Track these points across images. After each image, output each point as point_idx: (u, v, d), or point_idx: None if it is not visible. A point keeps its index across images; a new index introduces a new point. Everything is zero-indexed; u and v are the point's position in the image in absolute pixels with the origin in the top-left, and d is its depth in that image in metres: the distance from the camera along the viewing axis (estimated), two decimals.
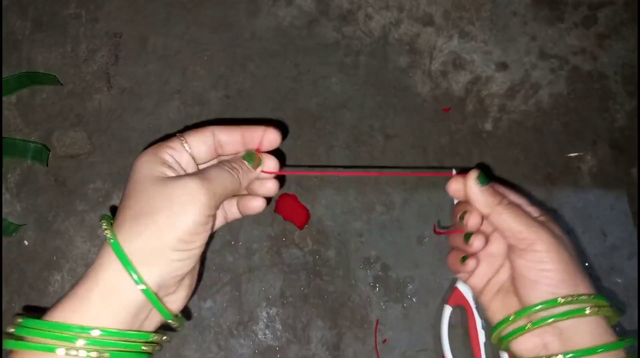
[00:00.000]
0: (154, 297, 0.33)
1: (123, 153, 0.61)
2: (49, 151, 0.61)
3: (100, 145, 0.62)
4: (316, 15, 0.65)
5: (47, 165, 0.61)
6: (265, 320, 0.57)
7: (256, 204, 0.42)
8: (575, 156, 0.62)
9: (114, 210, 0.61)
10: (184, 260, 0.34)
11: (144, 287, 0.32)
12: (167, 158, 0.38)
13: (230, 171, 0.38)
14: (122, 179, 0.61)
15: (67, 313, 0.31)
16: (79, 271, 0.59)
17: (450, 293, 0.56)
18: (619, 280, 0.59)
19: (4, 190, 0.61)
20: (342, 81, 0.63)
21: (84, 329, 0.30)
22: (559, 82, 0.64)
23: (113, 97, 0.63)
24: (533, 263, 0.37)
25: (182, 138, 0.39)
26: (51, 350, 0.30)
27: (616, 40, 0.65)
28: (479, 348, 0.54)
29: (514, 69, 0.64)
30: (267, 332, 0.56)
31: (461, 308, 0.56)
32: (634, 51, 0.65)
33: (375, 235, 0.59)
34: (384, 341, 0.57)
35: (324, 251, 0.59)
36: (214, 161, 0.42)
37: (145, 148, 0.40)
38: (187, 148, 0.39)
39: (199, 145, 0.40)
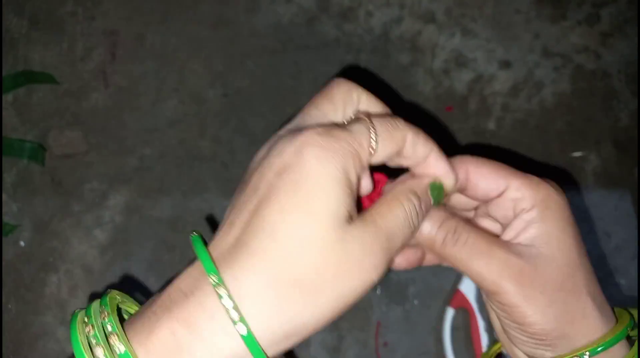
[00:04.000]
0: None
1: (119, 153, 0.61)
2: (45, 150, 0.61)
3: (96, 144, 0.61)
4: (316, 12, 0.64)
5: (43, 165, 0.60)
6: None
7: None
8: (579, 155, 0.62)
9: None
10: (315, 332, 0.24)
11: None
12: (354, 179, 0.24)
13: (415, 221, 0.26)
14: (118, 179, 0.60)
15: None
16: (75, 272, 0.58)
17: (452, 295, 0.55)
18: (623, 282, 0.59)
19: None
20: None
21: None
22: (563, 81, 0.63)
23: (110, 95, 0.62)
24: (502, 315, 0.27)
25: (373, 134, 0.25)
26: None
27: (619, 38, 0.65)
28: (482, 351, 0.53)
29: (517, 67, 0.63)
30: None
31: (463, 311, 0.55)
32: (638, 49, 0.64)
33: None
34: (385, 344, 0.56)
35: None
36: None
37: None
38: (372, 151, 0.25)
39: (384, 156, 0.26)
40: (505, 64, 0.64)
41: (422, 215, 0.27)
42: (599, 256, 0.59)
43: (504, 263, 0.26)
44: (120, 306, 0.25)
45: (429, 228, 0.28)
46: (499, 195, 0.28)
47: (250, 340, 0.21)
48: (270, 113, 0.62)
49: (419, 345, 0.56)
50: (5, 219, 0.59)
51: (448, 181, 0.28)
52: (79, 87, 0.62)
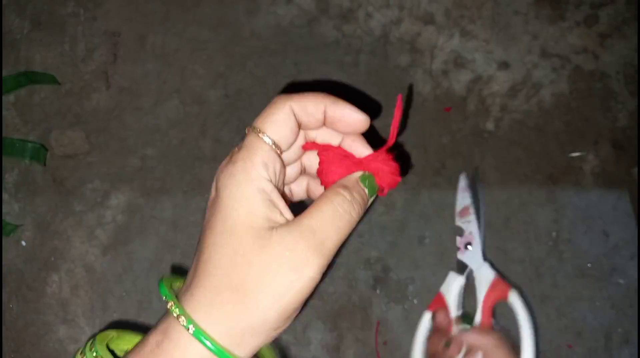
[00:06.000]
0: None
1: (121, 153, 0.61)
2: (47, 150, 0.61)
3: (98, 145, 0.61)
4: (316, 14, 0.65)
5: (45, 165, 0.60)
6: None
7: None
8: (578, 155, 0.62)
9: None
10: (281, 331, 0.28)
11: None
12: (265, 185, 0.27)
13: (351, 211, 0.27)
14: (119, 179, 0.60)
15: None
16: (77, 272, 0.58)
17: (432, 298, 0.55)
18: (621, 281, 0.59)
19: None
20: (342, 80, 0.63)
21: None
22: (561, 82, 0.64)
23: (111, 96, 0.62)
24: None
25: (263, 134, 0.27)
26: None
27: (618, 39, 0.65)
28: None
29: (516, 68, 0.64)
30: None
31: (442, 310, 0.54)
32: (636, 49, 0.64)
33: (375, 236, 0.59)
34: (385, 343, 0.57)
35: None
36: (296, 149, 0.30)
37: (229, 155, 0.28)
38: (274, 147, 0.28)
39: (286, 139, 0.28)
40: (504, 65, 0.64)
41: (359, 204, 0.28)
42: (597, 255, 0.59)
43: None
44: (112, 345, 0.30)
45: None
46: None
47: (198, 334, 0.25)
48: None
49: None
50: (6, 219, 0.59)
51: (357, 119, 0.29)
52: (80, 87, 0.63)
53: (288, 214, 0.27)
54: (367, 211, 0.59)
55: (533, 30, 0.65)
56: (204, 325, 0.25)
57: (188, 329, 0.25)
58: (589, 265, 0.59)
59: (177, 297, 0.27)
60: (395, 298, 0.57)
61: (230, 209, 0.26)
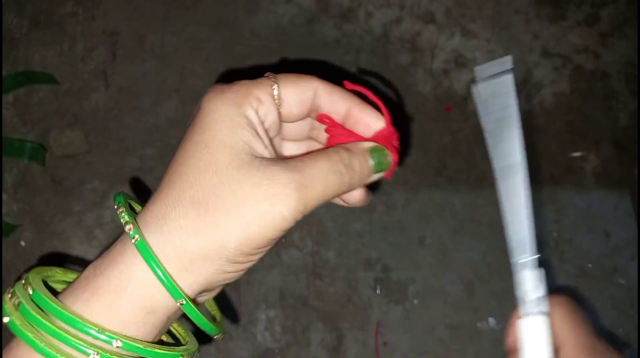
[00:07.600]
0: (197, 314, 0.25)
1: (120, 153, 0.61)
2: (46, 150, 0.60)
3: (97, 145, 0.61)
4: (316, 13, 0.64)
5: (44, 165, 0.60)
6: (264, 323, 0.56)
7: (356, 196, 0.29)
8: (579, 155, 0.62)
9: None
10: (237, 272, 0.26)
11: (183, 302, 0.24)
12: (252, 115, 0.25)
13: (344, 174, 0.26)
14: (119, 179, 0.60)
15: (93, 311, 0.23)
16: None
17: None
18: (622, 281, 0.58)
19: None
20: (342, 80, 0.63)
21: (112, 337, 0.23)
22: (562, 81, 0.63)
23: (110, 96, 0.62)
24: None
25: (274, 83, 0.26)
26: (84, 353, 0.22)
27: (619, 38, 0.65)
28: None
29: (517, 67, 0.63)
30: (266, 334, 0.56)
31: None
32: (637, 49, 0.64)
33: (376, 236, 0.59)
34: (385, 343, 0.56)
35: (324, 252, 0.58)
36: (305, 124, 0.29)
37: (218, 82, 0.28)
38: (276, 101, 0.26)
39: (292, 102, 0.27)
40: None
41: (356, 172, 0.27)
42: (598, 255, 0.59)
43: None
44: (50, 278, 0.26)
45: None
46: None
47: (141, 245, 0.23)
48: None
49: (419, 345, 0.56)
50: (5, 219, 0.59)
51: (377, 126, 0.28)
52: (79, 87, 0.62)
53: (273, 154, 0.26)
54: (367, 211, 0.58)
55: (534, 30, 0.64)
56: (151, 239, 0.23)
57: (133, 240, 0.23)
58: (590, 265, 0.58)
59: (136, 214, 0.25)
60: (396, 298, 0.57)
61: (210, 122, 0.25)
